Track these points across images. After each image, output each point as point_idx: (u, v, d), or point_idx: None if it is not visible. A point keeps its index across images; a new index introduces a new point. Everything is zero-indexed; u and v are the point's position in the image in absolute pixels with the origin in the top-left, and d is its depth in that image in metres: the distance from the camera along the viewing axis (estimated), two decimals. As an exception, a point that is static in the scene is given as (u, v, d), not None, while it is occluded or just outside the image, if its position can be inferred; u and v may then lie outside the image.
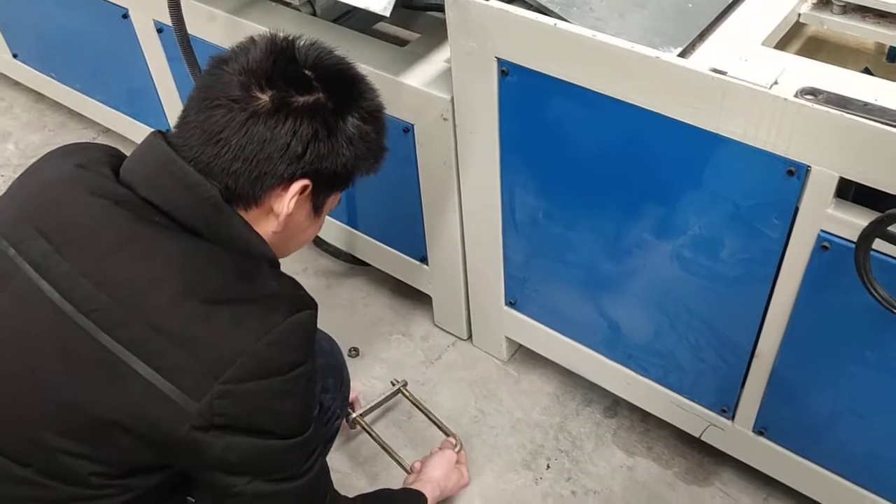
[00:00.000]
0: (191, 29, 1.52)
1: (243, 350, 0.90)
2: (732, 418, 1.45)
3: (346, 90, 1.01)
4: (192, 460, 0.95)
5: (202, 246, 0.96)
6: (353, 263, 2.01)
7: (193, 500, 1.10)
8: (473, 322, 1.80)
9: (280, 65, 0.97)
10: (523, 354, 1.81)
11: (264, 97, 0.95)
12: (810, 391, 1.31)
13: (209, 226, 0.97)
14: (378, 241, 1.82)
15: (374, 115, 1.04)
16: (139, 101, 2.13)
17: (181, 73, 1.53)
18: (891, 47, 1.45)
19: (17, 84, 2.64)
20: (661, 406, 1.56)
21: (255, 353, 0.91)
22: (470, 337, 1.85)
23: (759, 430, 1.42)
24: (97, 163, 1.03)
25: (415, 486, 1.43)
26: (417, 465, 1.53)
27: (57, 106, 2.57)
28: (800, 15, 1.34)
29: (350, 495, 1.24)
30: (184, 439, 0.90)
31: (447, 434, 1.62)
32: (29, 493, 0.95)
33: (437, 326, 1.88)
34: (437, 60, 1.48)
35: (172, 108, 2.03)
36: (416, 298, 1.92)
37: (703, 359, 1.41)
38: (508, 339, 1.77)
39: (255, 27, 1.58)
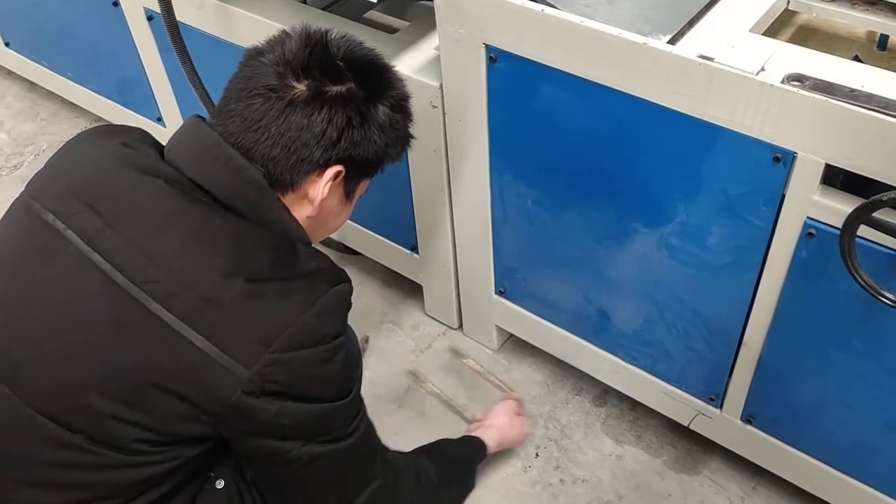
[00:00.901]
0: (180, 16, 1.51)
1: (290, 321, 0.95)
2: (721, 407, 1.45)
3: (375, 80, 1.05)
4: (245, 426, 0.98)
5: (247, 226, 1.00)
6: (345, 252, 2.01)
7: (213, 475, 1.13)
8: (464, 311, 1.80)
9: (315, 56, 1.01)
10: (513, 344, 1.81)
11: (301, 87, 1.00)
12: (798, 380, 1.31)
13: (252, 208, 1.01)
14: (369, 230, 1.82)
15: (401, 103, 1.09)
16: (131, 89, 2.12)
17: (172, 62, 1.53)
18: (881, 35, 1.45)
19: (9, 73, 2.63)
20: (651, 395, 1.56)
21: (301, 323, 0.96)
22: (461, 326, 1.85)
23: (747, 418, 1.42)
24: (140, 143, 1.07)
25: (475, 433, 1.48)
26: (480, 415, 1.58)
27: (50, 95, 2.56)
28: (789, 2, 1.34)
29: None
30: (236, 405, 0.94)
31: (508, 392, 1.69)
32: (76, 458, 0.97)
33: (428, 315, 1.88)
34: (427, 48, 1.47)
35: (164, 96, 2.02)
36: (407, 288, 1.91)
37: (692, 347, 1.41)
38: (499, 329, 1.77)
39: (244, 14, 1.58)
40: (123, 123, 1.20)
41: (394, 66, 1.11)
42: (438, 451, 1.37)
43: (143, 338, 0.94)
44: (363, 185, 1.13)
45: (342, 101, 1.01)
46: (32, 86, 2.60)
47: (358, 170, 1.07)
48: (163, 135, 1.14)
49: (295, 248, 1.03)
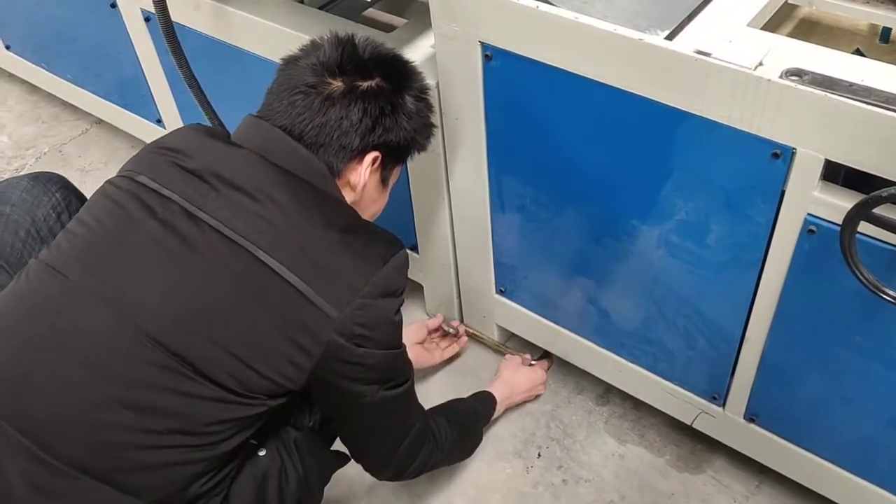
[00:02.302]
0: (176, 17, 1.51)
1: (375, 271, 1.08)
2: (723, 405, 1.44)
3: (399, 74, 1.18)
4: (334, 367, 1.09)
5: (326, 194, 1.13)
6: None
7: (255, 443, 1.20)
8: (465, 310, 1.79)
9: (346, 55, 1.14)
10: (515, 343, 1.80)
11: (336, 83, 1.13)
12: (800, 377, 1.30)
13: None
14: (369, 229, 1.81)
15: (424, 93, 1.22)
16: (130, 91, 2.12)
17: (170, 63, 1.52)
18: (884, 28, 1.43)
19: (11, 76, 2.63)
20: (653, 393, 1.55)
21: (382, 274, 1.09)
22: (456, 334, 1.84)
23: (751, 416, 1.41)
24: (219, 133, 1.20)
25: (485, 388, 1.61)
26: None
27: (51, 98, 2.56)
28: (789, -5, 1.33)
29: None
30: (329, 344, 1.05)
31: (509, 351, 1.77)
32: (174, 383, 1.03)
33: (429, 315, 1.87)
34: (424, 46, 1.46)
35: (163, 98, 2.02)
36: (408, 287, 1.90)
37: (693, 346, 1.40)
38: (500, 328, 1.76)
39: (240, 14, 1.57)
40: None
41: (413, 62, 1.22)
42: (450, 409, 1.48)
43: (250, 279, 1.04)
44: (396, 172, 1.25)
45: (373, 93, 1.13)
46: (34, 89, 2.59)
47: (392, 155, 1.19)
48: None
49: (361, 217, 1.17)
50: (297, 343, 1.05)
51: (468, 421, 1.51)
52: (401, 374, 1.20)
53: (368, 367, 1.11)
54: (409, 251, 1.73)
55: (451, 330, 1.77)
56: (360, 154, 1.14)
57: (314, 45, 1.17)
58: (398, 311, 1.14)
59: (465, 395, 1.70)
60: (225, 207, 1.07)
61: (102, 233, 1.09)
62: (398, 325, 1.15)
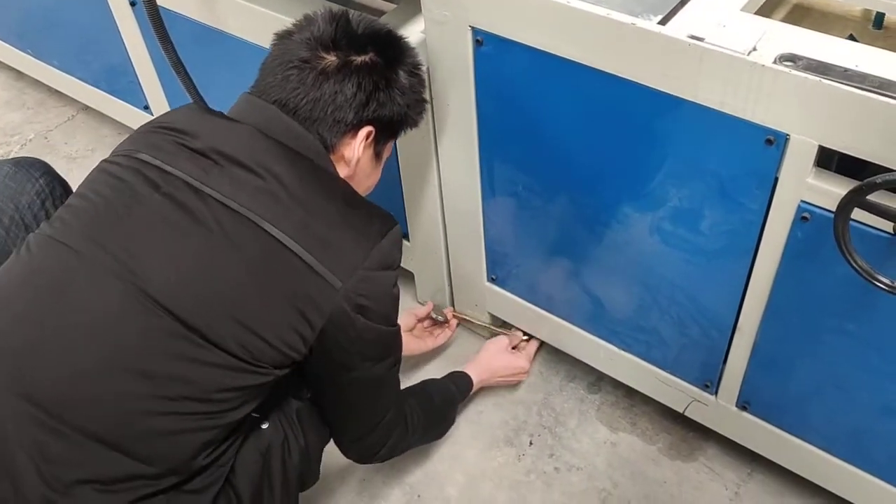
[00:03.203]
0: (162, 1, 1.49)
1: (374, 244, 1.10)
2: (715, 393, 1.44)
3: (392, 49, 1.19)
4: (337, 338, 1.10)
5: (323, 169, 1.14)
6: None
7: (258, 416, 1.22)
8: (456, 298, 1.77)
9: (340, 30, 1.15)
10: (507, 330, 1.79)
11: (331, 57, 1.14)
12: (793, 365, 1.29)
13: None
14: (359, 217, 1.79)
15: (417, 68, 1.23)
16: (117, 77, 2.09)
17: (157, 49, 1.50)
18: (877, 13, 1.42)
19: (-4, 62, 2.61)
20: (645, 381, 1.54)
21: (380, 247, 1.11)
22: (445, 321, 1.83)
23: (743, 404, 1.41)
24: (216, 111, 1.20)
25: (462, 368, 1.61)
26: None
27: (37, 84, 2.53)
28: (782, -20, 1.31)
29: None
30: (333, 314, 1.07)
31: (497, 330, 1.75)
32: (185, 350, 1.04)
33: (420, 303, 1.85)
34: (414, 31, 1.44)
35: (150, 84, 1.99)
36: (399, 275, 1.89)
37: (686, 333, 1.39)
38: (492, 316, 1.75)
39: (227, -1, 1.55)
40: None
41: (406, 38, 1.23)
42: (424, 392, 1.48)
43: (256, 250, 1.05)
44: (389, 147, 1.26)
45: (367, 68, 1.14)
46: (20, 75, 2.56)
47: (385, 130, 1.20)
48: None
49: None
50: (303, 313, 1.06)
51: (442, 406, 1.51)
52: (393, 352, 1.22)
53: (366, 342, 1.13)
54: (399, 239, 1.73)
55: (440, 318, 1.76)
56: (353, 129, 1.15)
57: (308, 20, 1.17)
58: (395, 283, 1.16)
59: (455, 384, 1.70)
60: (229, 182, 1.07)
61: (106, 206, 1.08)
62: (396, 300, 1.17)
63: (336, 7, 1.18)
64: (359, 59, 1.14)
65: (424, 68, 1.26)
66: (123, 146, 1.16)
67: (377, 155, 1.23)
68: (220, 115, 1.17)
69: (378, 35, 1.18)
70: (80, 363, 1.02)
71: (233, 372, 1.06)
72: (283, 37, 1.18)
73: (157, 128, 1.15)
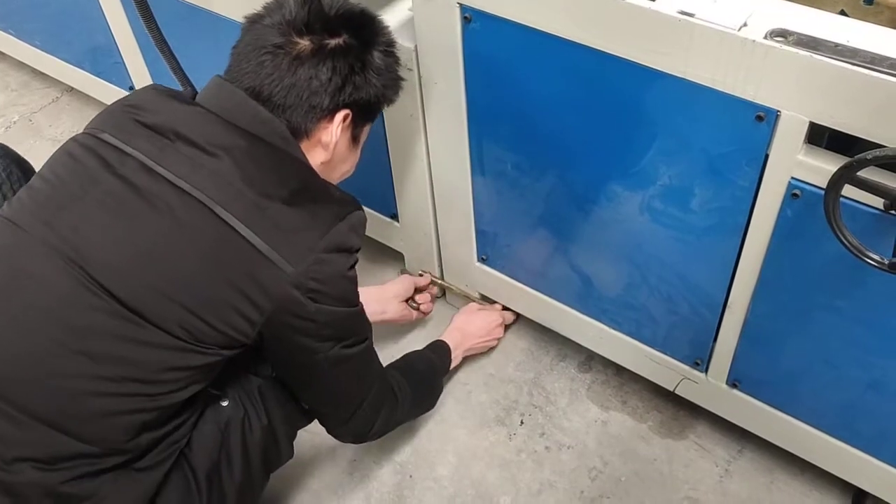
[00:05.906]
0: (145, -21, 1.46)
1: (328, 228, 1.08)
2: (706, 371, 1.44)
3: (366, 30, 1.18)
4: (289, 322, 1.09)
5: (285, 153, 1.13)
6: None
7: (219, 394, 1.22)
8: (446, 278, 1.77)
9: (313, 13, 1.13)
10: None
11: (304, 42, 1.12)
12: (783, 342, 1.29)
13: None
14: (348, 198, 1.78)
15: (391, 47, 1.22)
16: (102, 58, 2.07)
17: (142, 29, 1.47)
18: (867, -11, 1.41)
19: (-22, 43, 2.57)
20: (635, 360, 1.55)
21: (336, 230, 1.09)
22: (443, 294, 1.82)
23: (733, 382, 1.41)
24: (179, 94, 1.19)
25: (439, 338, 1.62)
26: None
27: (20, 65, 2.50)
28: (773, -45, 1.30)
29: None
30: (283, 299, 1.06)
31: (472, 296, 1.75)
32: (126, 330, 1.04)
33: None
34: (401, 9, 1.42)
35: (135, 65, 1.97)
36: (388, 256, 1.89)
37: (676, 311, 1.39)
38: (482, 296, 1.75)
39: (212, -23, 1.53)
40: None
41: (380, 16, 1.21)
42: (407, 364, 1.49)
43: (203, 233, 1.05)
44: (366, 130, 1.25)
45: (342, 51, 1.13)
46: (2, 56, 2.53)
47: (362, 112, 1.19)
48: (128, 104, 1.11)
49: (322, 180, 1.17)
50: (248, 297, 1.05)
51: (426, 375, 1.51)
52: (357, 332, 1.21)
53: (321, 324, 1.12)
54: (389, 220, 1.72)
55: (438, 294, 1.77)
56: (330, 113, 1.15)
57: (278, 3, 1.16)
58: (352, 267, 1.14)
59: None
60: (183, 163, 1.07)
61: (60, 186, 1.09)
62: (353, 282, 1.15)
63: None
64: (332, 42, 1.13)
65: (399, 47, 1.25)
66: (92, 123, 1.16)
67: (354, 139, 1.23)
68: (182, 98, 1.16)
69: (351, 16, 1.17)
70: (23, 343, 1.03)
71: (177, 352, 1.06)
72: (253, 21, 1.16)
73: (124, 106, 1.15)
